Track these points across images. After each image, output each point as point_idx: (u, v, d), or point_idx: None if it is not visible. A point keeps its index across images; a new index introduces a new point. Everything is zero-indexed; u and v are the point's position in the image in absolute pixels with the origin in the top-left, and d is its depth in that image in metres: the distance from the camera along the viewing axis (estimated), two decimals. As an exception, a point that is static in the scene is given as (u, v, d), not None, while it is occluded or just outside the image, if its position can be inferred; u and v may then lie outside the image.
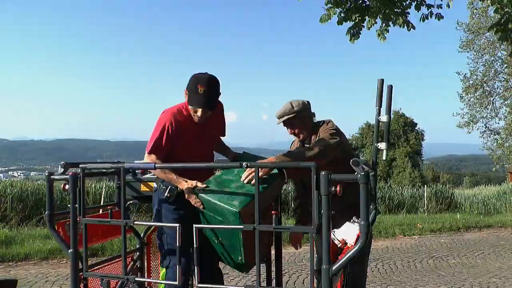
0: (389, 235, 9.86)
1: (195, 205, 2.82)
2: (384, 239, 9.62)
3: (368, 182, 2.28)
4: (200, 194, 2.76)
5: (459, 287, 5.89)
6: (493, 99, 25.69)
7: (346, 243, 2.84)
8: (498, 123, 26.20)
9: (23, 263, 7.00)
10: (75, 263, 2.90)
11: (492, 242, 9.52)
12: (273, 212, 2.50)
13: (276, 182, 3.03)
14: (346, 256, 2.39)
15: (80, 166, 2.75)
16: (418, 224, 11.07)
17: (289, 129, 3.53)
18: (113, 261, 3.51)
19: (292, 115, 3.41)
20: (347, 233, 2.82)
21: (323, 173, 2.31)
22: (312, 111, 3.57)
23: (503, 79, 25.20)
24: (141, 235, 3.70)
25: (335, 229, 2.80)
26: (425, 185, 16.86)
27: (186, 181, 2.85)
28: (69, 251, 2.86)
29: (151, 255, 3.85)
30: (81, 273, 2.87)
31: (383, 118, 3.20)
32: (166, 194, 3.07)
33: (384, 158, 3.24)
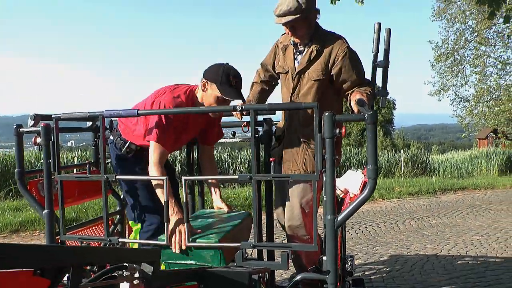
0: (369, 199, 9.83)
1: (173, 248, 2.39)
2: (363, 203, 9.57)
3: (376, 122, 2.10)
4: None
5: (444, 246, 5.87)
6: (463, 67, 26.04)
7: (348, 192, 2.68)
8: (468, 91, 26.72)
9: (-8, 236, 6.66)
10: (50, 225, 2.66)
11: (469, 203, 9.63)
12: (271, 159, 2.29)
13: (247, 220, 2.85)
14: (353, 205, 2.21)
15: (52, 116, 2.50)
16: (397, 188, 11.11)
17: (289, 31, 2.74)
18: (92, 224, 3.28)
19: (298, 15, 2.62)
20: (350, 181, 2.65)
21: (327, 113, 2.11)
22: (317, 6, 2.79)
23: (473, 47, 25.45)
24: (121, 197, 3.44)
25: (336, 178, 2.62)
26: (402, 150, 16.96)
27: (180, 224, 2.40)
28: (44, 212, 2.62)
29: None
30: (58, 236, 2.65)
31: (381, 63, 3.01)
32: (124, 149, 2.85)
33: (381, 105, 3.07)
